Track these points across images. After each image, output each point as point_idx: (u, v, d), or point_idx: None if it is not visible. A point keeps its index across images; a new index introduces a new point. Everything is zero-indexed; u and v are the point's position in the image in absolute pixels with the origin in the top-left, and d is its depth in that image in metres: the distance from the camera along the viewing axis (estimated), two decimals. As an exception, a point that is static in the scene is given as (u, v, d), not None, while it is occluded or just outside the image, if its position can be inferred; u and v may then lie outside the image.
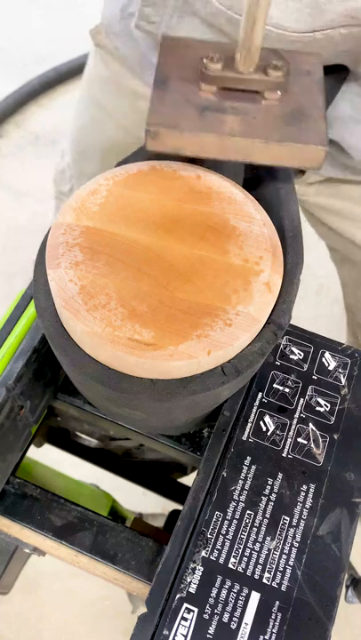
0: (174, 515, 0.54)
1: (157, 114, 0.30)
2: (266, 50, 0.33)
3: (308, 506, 0.38)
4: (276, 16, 0.41)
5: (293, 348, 0.44)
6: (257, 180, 0.42)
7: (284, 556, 0.37)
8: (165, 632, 0.34)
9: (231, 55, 0.29)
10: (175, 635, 0.34)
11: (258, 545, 0.37)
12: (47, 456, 0.61)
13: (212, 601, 0.35)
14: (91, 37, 0.68)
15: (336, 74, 0.47)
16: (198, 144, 0.30)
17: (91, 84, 0.74)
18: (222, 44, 0.29)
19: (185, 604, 0.35)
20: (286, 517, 0.38)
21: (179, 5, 0.47)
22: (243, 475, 0.39)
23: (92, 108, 0.74)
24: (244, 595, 0.35)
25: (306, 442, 0.40)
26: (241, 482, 0.39)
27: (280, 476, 0.39)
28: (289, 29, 0.41)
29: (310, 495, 0.38)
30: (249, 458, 0.39)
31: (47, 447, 0.65)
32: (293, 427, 0.41)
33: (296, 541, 0.37)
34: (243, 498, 0.38)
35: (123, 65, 0.65)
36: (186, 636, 0.34)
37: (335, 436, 0.41)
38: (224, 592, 0.35)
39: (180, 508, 0.49)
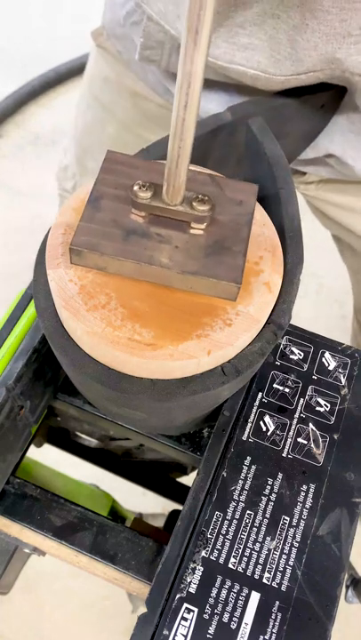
0: (174, 515, 0.54)
1: (84, 233, 0.31)
2: (201, 176, 0.33)
3: (308, 506, 0.38)
4: (264, 63, 0.43)
5: (293, 348, 0.44)
6: (257, 180, 0.42)
7: (284, 556, 0.37)
8: (165, 632, 0.34)
9: (162, 184, 0.30)
10: (175, 635, 0.34)
11: (258, 545, 0.37)
12: (47, 456, 0.61)
13: (212, 601, 0.35)
14: (92, 38, 0.69)
15: (334, 91, 0.47)
16: (118, 267, 0.31)
17: (92, 83, 0.74)
18: (163, 166, 0.30)
19: (185, 604, 0.35)
20: (286, 517, 0.38)
21: (174, 48, 0.51)
22: (243, 475, 0.39)
23: (93, 106, 0.74)
24: (244, 595, 0.35)
25: (306, 442, 0.40)
26: (241, 482, 0.39)
27: (280, 475, 0.39)
28: (276, 74, 0.44)
29: (310, 495, 0.38)
30: (249, 458, 0.39)
31: (47, 447, 0.65)
32: (293, 427, 0.41)
33: (296, 541, 0.37)
34: (243, 498, 0.38)
35: (125, 66, 0.65)
36: (186, 636, 0.34)
37: (335, 436, 0.41)
38: (224, 592, 0.35)
39: (180, 507, 0.50)
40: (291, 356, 0.43)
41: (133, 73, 0.64)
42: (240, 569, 0.36)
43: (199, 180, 0.33)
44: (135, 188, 0.31)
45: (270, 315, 0.33)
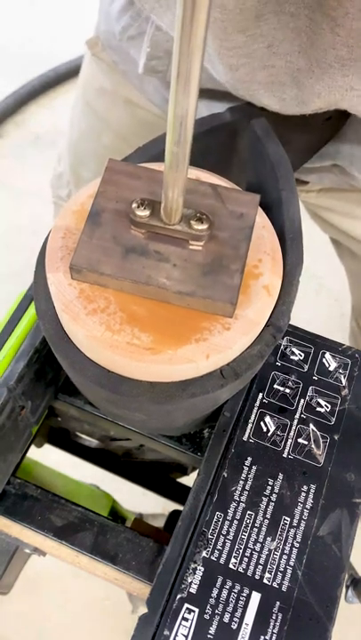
0: (175, 515, 0.54)
1: (83, 252, 0.31)
2: (202, 186, 0.33)
3: (308, 506, 0.38)
4: (266, 103, 0.43)
5: (294, 349, 0.44)
6: (259, 181, 0.42)
7: (284, 557, 0.37)
8: (166, 632, 0.34)
9: (160, 201, 0.30)
10: (176, 635, 0.34)
11: (258, 545, 0.37)
12: (47, 457, 0.61)
13: (212, 601, 0.35)
14: (87, 47, 0.68)
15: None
16: (118, 285, 0.31)
17: (86, 91, 0.73)
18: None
19: (186, 605, 0.35)
20: (287, 518, 0.38)
21: None
22: (243, 475, 0.39)
23: (88, 115, 0.73)
24: (244, 595, 0.35)
25: (306, 442, 0.40)
26: (242, 482, 0.39)
27: (281, 476, 0.39)
28: (282, 111, 0.44)
29: (311, 496, 0.39)
30: (249, 458, 0.40)
31: (47, 447, 0.65)
32: (294, 427, 0.41)
33: (297, 542, 0.37)
34: (243, 498, 0.38)
35: (121, 76, 0.64)
36: (187, 637, 0.34)
37: (336, 437, 0.41)
38: (225, 592, 0.35)
39: (180, 508, 0.50)
40: (291, 357, 0.44)
41: (130, 83, 0.63)
42: (241, 569, 0.36)
43: (200, 191, 0.33)
44: (133, 205, 0.31)
45: (270, 317, 0.33)
